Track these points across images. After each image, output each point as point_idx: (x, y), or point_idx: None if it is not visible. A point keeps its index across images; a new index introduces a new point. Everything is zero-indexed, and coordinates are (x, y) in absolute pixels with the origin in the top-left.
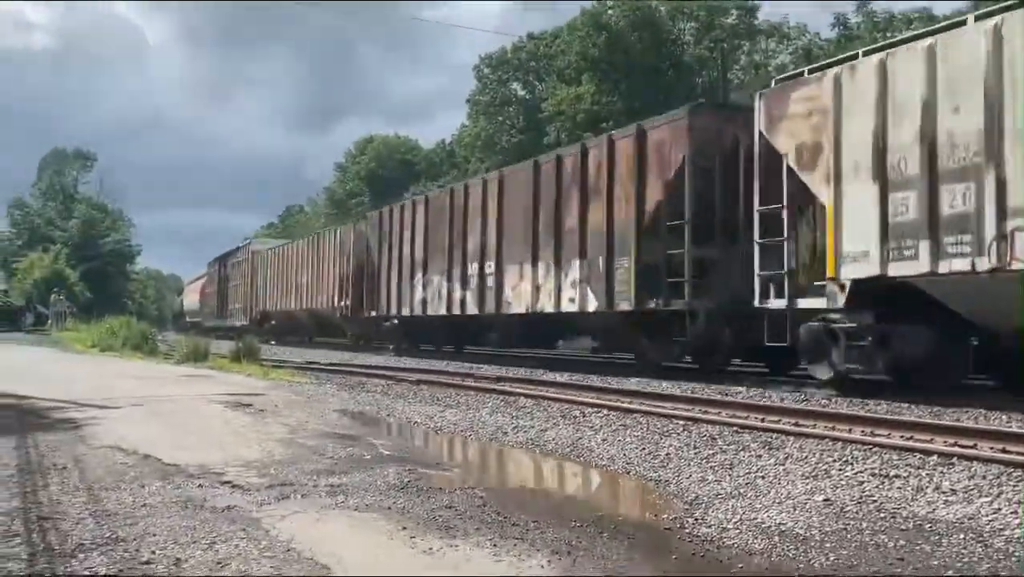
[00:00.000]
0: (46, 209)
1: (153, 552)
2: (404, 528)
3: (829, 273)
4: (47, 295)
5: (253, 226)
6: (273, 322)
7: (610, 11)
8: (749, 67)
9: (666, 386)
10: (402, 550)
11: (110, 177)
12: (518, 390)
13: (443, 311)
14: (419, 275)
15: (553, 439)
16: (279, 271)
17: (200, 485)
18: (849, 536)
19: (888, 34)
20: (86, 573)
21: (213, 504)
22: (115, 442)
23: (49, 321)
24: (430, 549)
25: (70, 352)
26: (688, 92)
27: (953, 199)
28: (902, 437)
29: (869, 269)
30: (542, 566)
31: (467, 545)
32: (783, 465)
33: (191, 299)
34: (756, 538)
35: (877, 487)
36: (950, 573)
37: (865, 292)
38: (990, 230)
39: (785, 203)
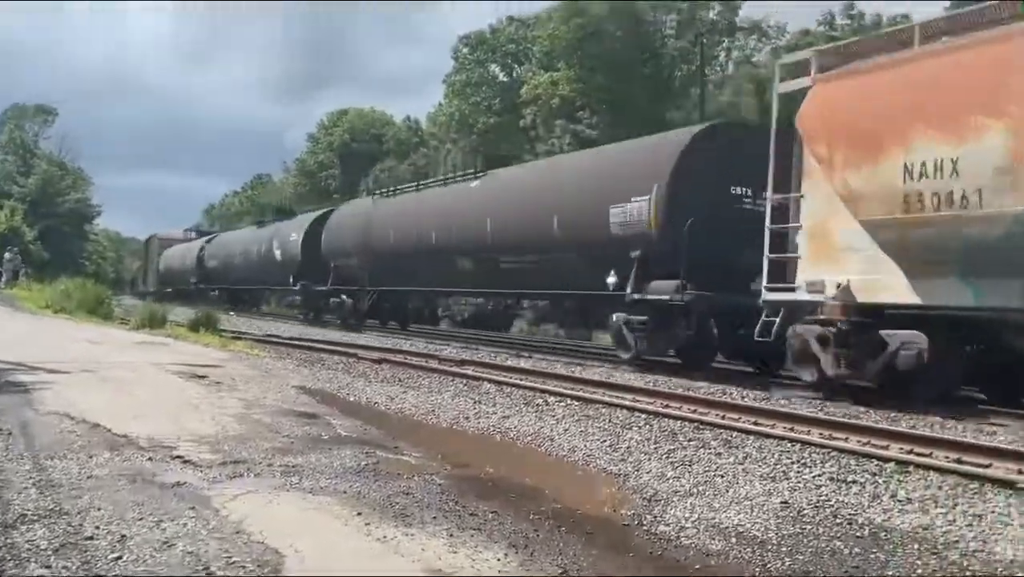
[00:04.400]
0: (4, 164)
1: (97, 527)
2: (359, 513)
3: None
4: (0, 252)
5: (222, 192)
6: None
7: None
8: (727, 63)
9: (630, 378)
10: (356, 537)
11: (72, 134)
12: (482, 375)
13: None
14: None
15: (515, 427)
16: None
17: (150, 458)
18: (806, 541)
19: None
20: (27, 546)
21: (162, 479)
22: (64, 409)
23: (2, 279)
24: (384, 537)
25: (22, 312)
26: (666, 84)
27: None
28: (859, 442)
29: None
30: (499, 559)
31: (423, 534)
32: (742, 465)
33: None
34: (714, 539)
35: (834, 492)
36: None
37: None
38: None
39: None
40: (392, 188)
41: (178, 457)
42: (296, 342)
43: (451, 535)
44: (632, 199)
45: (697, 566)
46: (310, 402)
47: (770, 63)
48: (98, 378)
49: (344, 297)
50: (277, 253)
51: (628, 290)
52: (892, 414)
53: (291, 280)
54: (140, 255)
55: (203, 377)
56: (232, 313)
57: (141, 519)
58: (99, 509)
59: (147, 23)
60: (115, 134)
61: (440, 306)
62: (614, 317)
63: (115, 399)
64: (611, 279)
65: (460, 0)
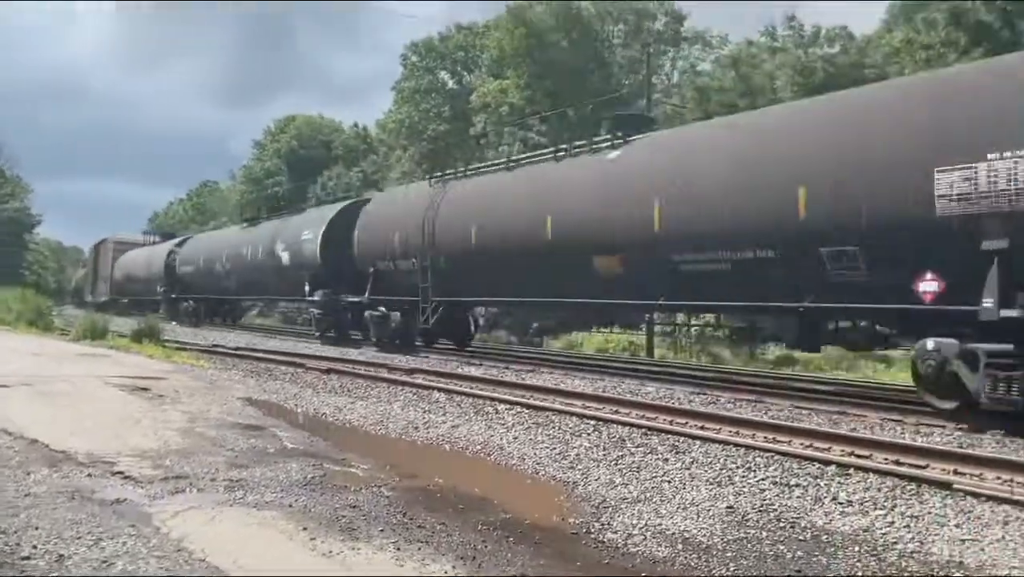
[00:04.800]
0: None
1: (34, 547)
2: (305, 528)
3: None
4: None
5: (167, 200)
6: None
7: (537, 8)
8: (673, 72)
9: (579, 384)
10: (301, 553)
11: (10, 142)
12: (432, 384)
13: None
14: None
15: (465, 436)
16: None
17: (90, 475)
18: (750, 545)
19: (810, 51)
20: None
21: (102, 496)
22: (1, 424)
23: None
24: (330, 552)
25: None
26: (614, 93)
27: None
28: (802, 445)
29: None
30: (446, 572)
31: (370, 548)
32: (689, 470)
33: None
34: (660, 545)
35: (778, 495)
36: None
37: None
38: None
39: None
40: (464, 168)
41: (119, 473)
42: (242, 352)
43: (398, 548)
44: (991, 155)
45: (644, 574)
46: (256, 414)
47: (714, 72)
48: (37, 392)
49: (384, 309)
50: (283, 256)
51: (986, 303)
52: (834, 416)
53: (306, 289)
54: (86, 263)
55: (146, 390)
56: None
57: (79, 538)
58: (36, 528)
59: (90, 25)
60: (55, 141)
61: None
62: (929, 344)
63: (54, 414)
64: (928, 285)
65: (410, 0)
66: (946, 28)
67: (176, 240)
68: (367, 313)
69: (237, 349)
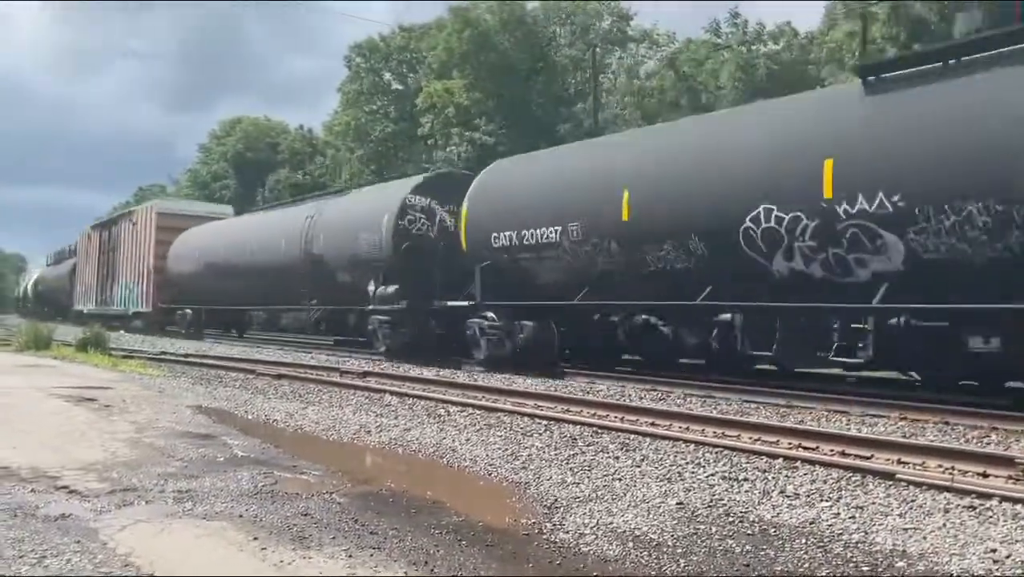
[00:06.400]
0: None
1: None
2: (255, 538)
3: None
4: None
5: (111, 206)
6: None
7: (481, 8)
8: (620, 71)
9: (531, 383)
10: (251, 563)
11: None
12: (384, 387)
13: None
14: None
15: (417, 439)
16: None
17: (33, 490)
18: (700, 541)
19: (754, 47)
20: None
21: (46, 512)
22: None
23: None
24: (281, 562)
25: None
26: (561, 93)
27: None
28: (750, 439)
29: None
30: None
31: (321, 557)
32: (639, 467)
33: None
34: (612, 544)
35: (727, 490)
36: None
37: None
38: None
39: None
40: None
41: (63, 487)
42: (192, 359)
43: (350, 556)
44: None
45: (595, 574)
46: (206, 422)
47: (656, 71)
48: None
49: None
50: None
51: None
52: (782, 409)
53: None
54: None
55: (92, 400)
56: None
57: (22, 556)
58: None
59: (25, 27)
60: None
61: None
62: None
63: None
64: None
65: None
66: (886, 23)
67: (414, 183)
68: None
69: (186, 356)
